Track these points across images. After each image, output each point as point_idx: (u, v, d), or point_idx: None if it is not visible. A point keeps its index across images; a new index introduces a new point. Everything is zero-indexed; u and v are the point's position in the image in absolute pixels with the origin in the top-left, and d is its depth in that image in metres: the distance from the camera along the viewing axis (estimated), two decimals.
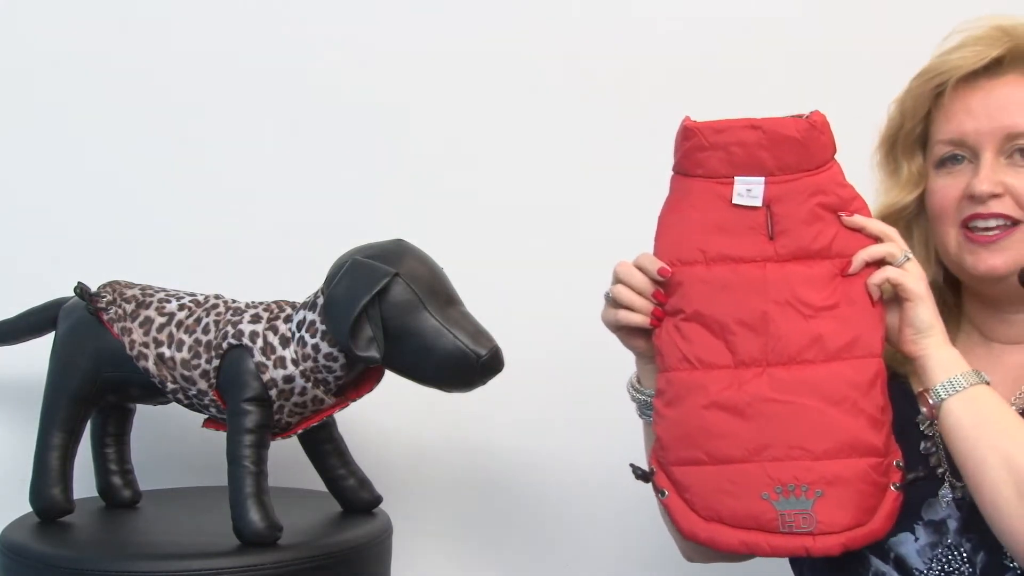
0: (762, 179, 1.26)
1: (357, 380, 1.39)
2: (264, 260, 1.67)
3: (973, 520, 1.26)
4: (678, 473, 1.25)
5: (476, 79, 1.76)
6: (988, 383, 1.25)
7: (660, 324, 1.28)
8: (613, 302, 1.31)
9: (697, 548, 1.39)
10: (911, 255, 1.28)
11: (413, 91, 1.74)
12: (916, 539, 1.30)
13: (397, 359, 1.31)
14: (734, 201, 1.27)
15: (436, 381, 1.33)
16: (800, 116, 1.27)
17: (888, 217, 1.38)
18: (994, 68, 1.35)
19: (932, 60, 1.39)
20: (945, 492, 1.31)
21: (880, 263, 1.27)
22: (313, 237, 1.64)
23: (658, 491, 1.26)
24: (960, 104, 1.35)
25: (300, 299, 1.37)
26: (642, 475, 1.29)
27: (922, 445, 1.34)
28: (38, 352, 1.49)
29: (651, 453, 1.29)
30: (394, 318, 1.30)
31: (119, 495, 1.49)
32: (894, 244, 1.27)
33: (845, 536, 1.21)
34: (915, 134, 1.39)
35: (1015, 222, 1.31)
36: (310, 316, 1.33)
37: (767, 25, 1.80)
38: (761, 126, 1.26)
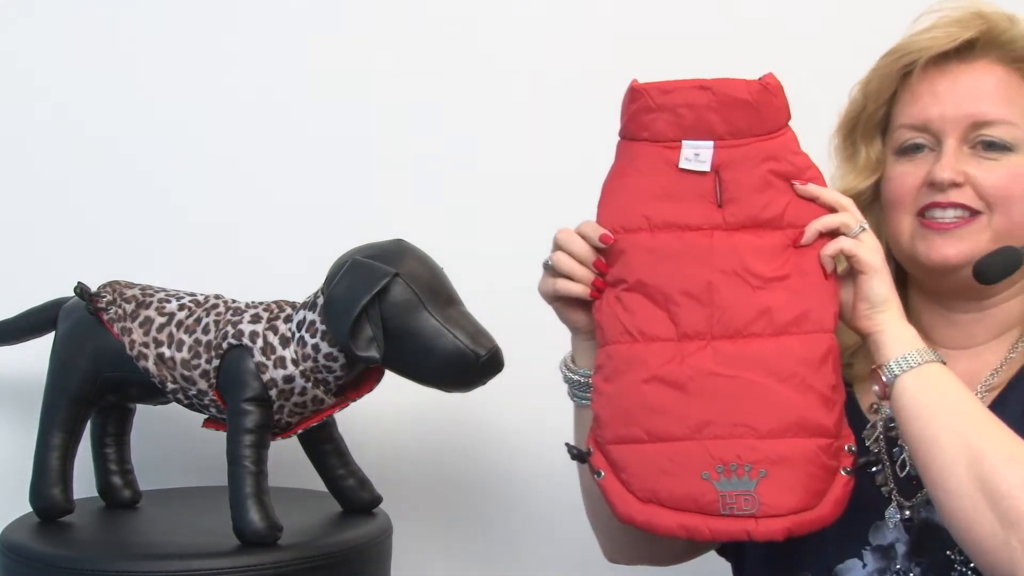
0: (711, 143, 1.20)
1: (357, 380, 1.39)
2: (264, 260, 1.67)
3: (922, 543, 1.23)
4: (615, 452, 1.18)
5: (476, 79, 1.76)
6: (944, 362, 1.18)
7: (601, 295, 1.22)
8: (552, 271, 1.24)
9: (621, 546, 1.36)
10: (867, 226, 1.21)
11: (413, 91, 1.74)
12: (864, 565, 1.25)
13: (397, 359, 1.31)
14: (681, 166, 1.21)
15: (436, 381, 1.33)
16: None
17: None
18: (965, 52, 1.29)
19: (902, 40, 1.33)
20: (892, 513, 1.26)
21: (834, 234, 1.21)
22: (313, 237, 1.64)
23: (594, 472, 1.20)
24: (926, 87, 1.29)
25: (300, 299, 1.37)
26: (577, 455, 1.22)
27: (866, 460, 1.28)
28: (38, 352, 1.49)
29: (589, 432, 1.22)
30: (394, 318, 1.30)
31: (119, 495, 1.49)
32: (849, 214, 1.21)
33: (790, 520, 1.14)
34: (877, 117, 1.34)
35: (974, 212, 1.25)
36: (310, 316, 1.33)
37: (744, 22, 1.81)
38: (711, 87, 1.20)
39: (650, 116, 1.21)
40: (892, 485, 1.27)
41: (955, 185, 1.25)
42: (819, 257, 1.20)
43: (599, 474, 1.19)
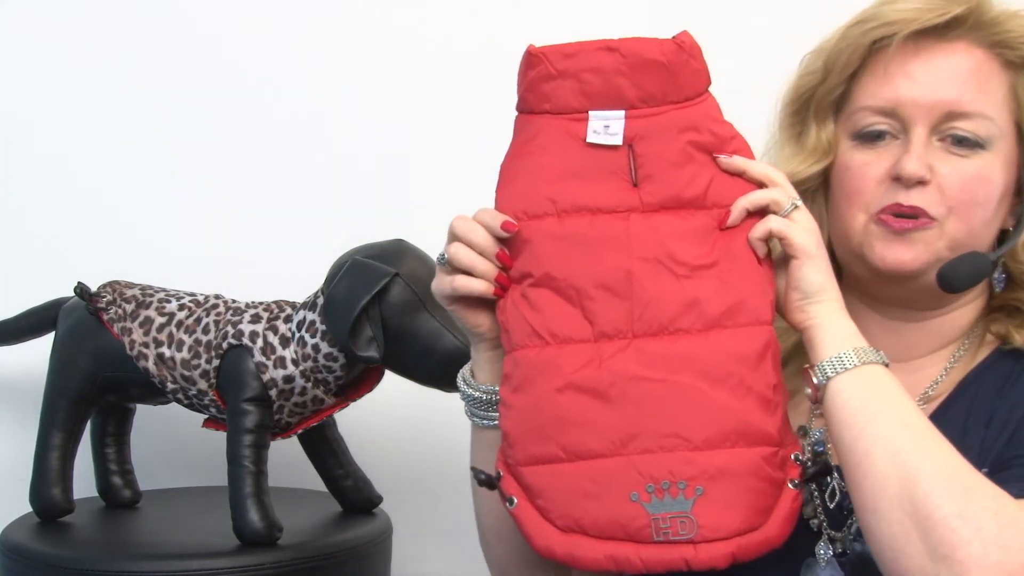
0: (622, 112, 1.04)
1: (357, 380, 1.39)
2: (264, 260, 1.67)
3: None
4: (529, 475, 1.01)
5: (476, 79, 1.76)
6: (887, 364, 1.03)
7: (505, 293, 1.06)
8: (448, 267, 1.07)
9: (549, 572, 1.12)
10: (800, 203, 1.05)
11: (413, 91, 1.74)
12: None
13: (397, 359, 1.31)
14: (589, 139, 1.05)
15: (436, 381, 1.33)
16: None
17: None
18: (947, 30, 1.13)
19: (875, 7, 1.15)
20: (823, 549, 1.10)
21: (764, 213, 1.05)
22: (313, 237, 1.64)
23: (506, 499, 1.02)
24: (898, 66, 1.13)
25: (300, 299, 1.37)
26: (486, 480, 1.03)
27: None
28: (38, 352, 1.49)
29: (498, 453, 1.05)
30: (394, 318, 1.30)
31: (119, 495, 1.49)
32: (780, 190, 1.05)
33: (734, 544, 0.98)
34: (835, 94, 1.16)
35: (931, 218, 1.10)
36: (310, 316, 1.33)
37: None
38: (619, 48, 1.04)
39: (551, 84, 1.05)
40: (822, 517, 1.11)
41: (921, 183, 1.10)
42: (748, 240, 1.05)
43: (511, 501, 1.02)
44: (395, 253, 1.32)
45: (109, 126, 1.67)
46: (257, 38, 1.71)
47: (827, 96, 1.17)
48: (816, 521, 1.11)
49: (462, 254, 1.06)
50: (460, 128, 1.74)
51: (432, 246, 1.36)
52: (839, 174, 1.15)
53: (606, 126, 1.05)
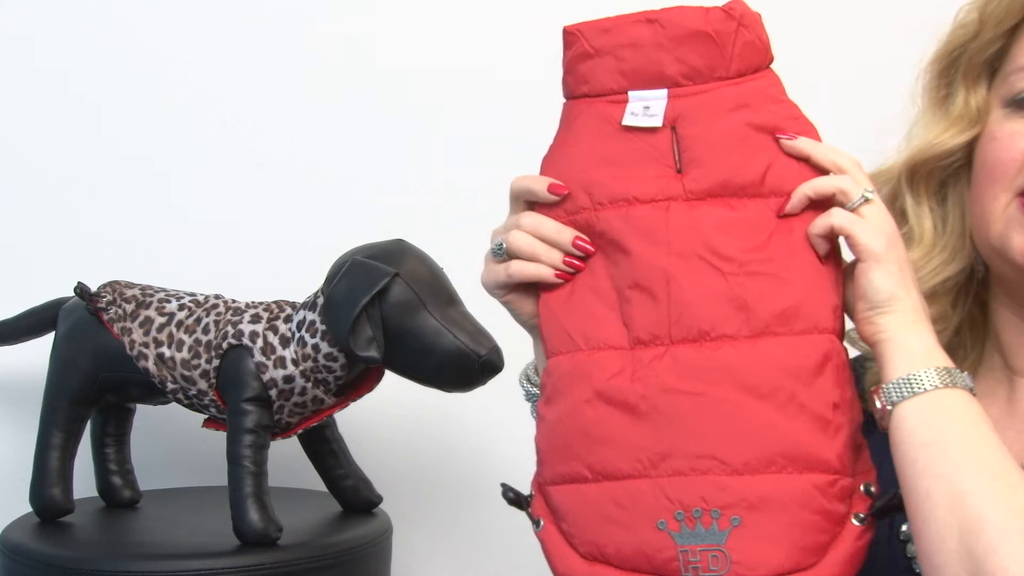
0: (664, 91, 0.93)
1: (357, 380, 1.38)
2: (264, 260, 1.67)
3: None
4: (555, 495, 0.93)
5: (477, 79, 1.76)
6: (971, 390, 0.87)
7: (571, 277, 0.96)
8: (504, 255, 0.98)
9: None
10: (873, 194, 0.90)
11: (413, 91, 1.74)
12: None
13: (397, 359, 1.31)
14: (624, 122, 0.93)
15: (436, 381, 1.33)
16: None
17: (921, 164, 0.99)
18: None
19: None
20: None
21: (829, 204, 0.91)
22: (313, 237, 1.64)
23: (533, 521, 0.95)
24: None
25: (300, 299, 1.37)
26: (515, 499, 0.96)
27: (905, 528, 0.97)
28: (38, 352, 1.49)
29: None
30: (394, 318, 1.30)
31: (119, 495, 1.49)
32: (849, 178, 0.91)
33: None
34: (989, 52, 0.98)
35: None
36: (310, 316, 1.33)
37: None
38: (659, 19, 0.93)
39: (588, 64, 0.95)
40: None
41: None
42: (807, 235, 0.92)
43: (538, 524, 0.94)
44: (395, 253, 1.32)
45: (109, 126, 1.67)
46: (257, 37, 1.71)
47: (980, 54, 0.98)
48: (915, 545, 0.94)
49: (522, 240, 0.97)
50: (461, 128, 1.74)
51: (432, 246, 1.36)
52: (984, 146, 0.97)
53: (646, 107, 0.94)
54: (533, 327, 1.01)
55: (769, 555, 0.85)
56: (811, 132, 0.94)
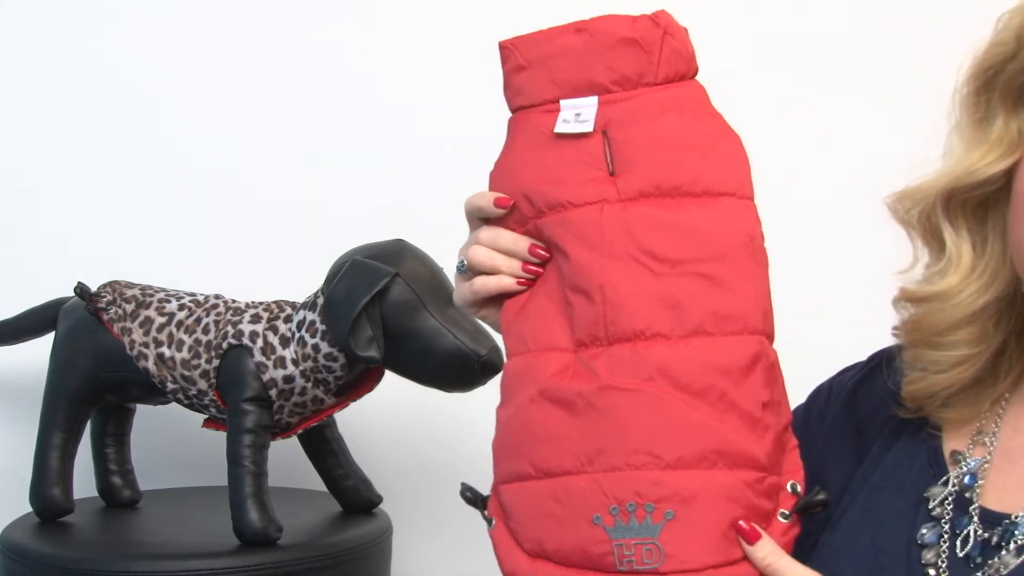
0: (594, 98, 0.94)
1: (357, 380, 1.39)
2: (264, 260, 1.67)
3: None
4: (504, 493, 0.94)
5: (477, 78, 1.76)
6: None
7: (531, 284, 0.97)
8: (468, 273, 0.99)
9: None
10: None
11: (413, 91, 1.74)
12: None
13: (397, 359, 1.31)
14: (556, 130, 0.95)
15: (436, 381, 1.33)
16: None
17: (959, 191, 0.92)
18: None
19: None
20: None
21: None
22: (313, 237, 1.64)
23: (487, 520, 0.97)
24: None
25: (300, 299, 1.37)
26: (472, 499, 0.99)
27: (921, 531, 0.92)
28: (38, 352, 1.49)
29: None
30: (394, 318, 1.30)
31: (119, 495, 1.49)
32: None
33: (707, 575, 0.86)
34: None
35: None
36: (310, 316, 1.33)
37: None
38: (588, 28, 0.95)
39: (522, 76, 0.98)
40: (944, 565, 0.90)
41: None
42: (742, 240, 0.92)
43: (490, 523, 0.96)
44: (395, 253, 1.32)
45: (109, 126, 1.67)
46: (257, 37, 1.71)
47: (1019, 76, 0.90)
48: (937, 570, 0.91)
49: (481, 255, 0.98)
50: (461, 127, 1.74)
51: (432, 246, 1.36)
52: (1021, 174, 0.89)
53: (577, 114, 0.95)
54: None
55: (701, 548, 0.86)
56: (736, 144, 0.94)
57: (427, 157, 1.74)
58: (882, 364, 1.02)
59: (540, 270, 0.97)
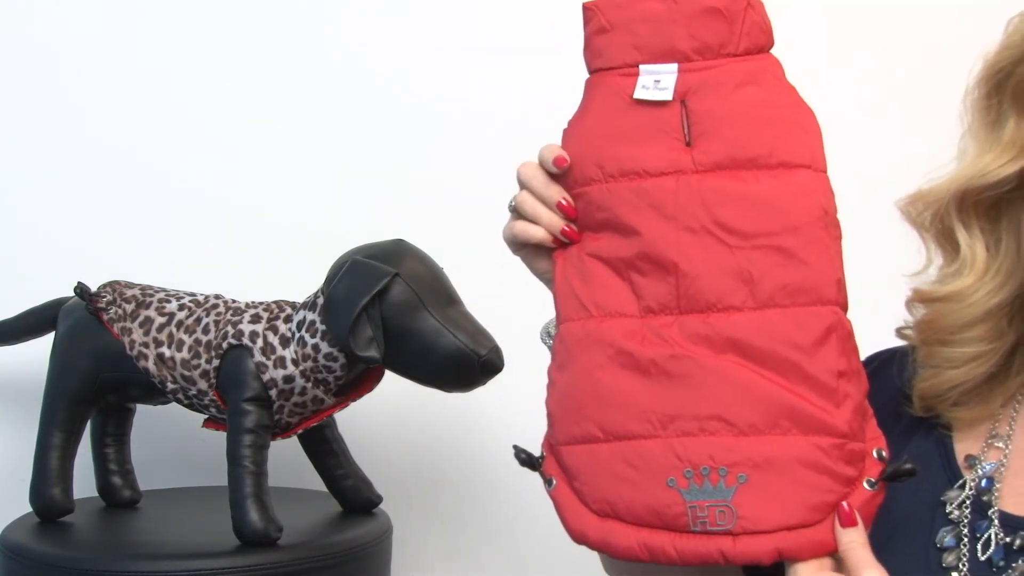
0: (675, 66, 0.96)
1: (357, 380, 1.39)
2: (264, 260, 1.67)
3: None
4: (567, 455, 0.96)
5: (477, 78, 1.76)
6: None
7: (565, 247, 1.00)
8: (515, 213, 1.02)
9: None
10: None
11: (414, 91, 1.74)
12: None
13: (397, 359, 1.31)
14: (635, 96, 0.96)
15: (436, 381, 1.33)
16: None
17: (971, 193, 0.94)
18: None
19: None
20: None
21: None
22: (313, 237, 1.64)
23: (546, 480, 0.98)
24: None
25: (300, 299, 1.37)
26: (527, 460, 1.00)
27: (940, 535, 0.93)
28: (38, 352, 1.49)
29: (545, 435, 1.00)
30: (394, 318, 1.30)
31: (119, 495, 1.49)
32: None
33: (778, 538, 0.87)
34: None
35: None
36: (310, 316, 1.33)
37: None
38: None
39: (603, 38, 0.99)
40: (965, 568, 0.92)
41: None
42: (816, 213, 0.93)
43: (550, 482, 0.98)
44: (395, 253, 1.32)
45: (109, 126, 1.67)
46: (256, 37, 1.71)
47: None
48: (958, 574, 0.93)
49: (528, 202, 1.00)
50: (461, 127, 1.74)
51: (432, 246, 1.36)
52: None
53: (656, 80, 0.96)
54: (549, 281, 1.03)
55: (773, 511, 0.88)
56: (810, 117, 0.96)
57: (428, 157, 1.74)
58: (889, 363, 1.03)
59: (577, 236, 0.99)
